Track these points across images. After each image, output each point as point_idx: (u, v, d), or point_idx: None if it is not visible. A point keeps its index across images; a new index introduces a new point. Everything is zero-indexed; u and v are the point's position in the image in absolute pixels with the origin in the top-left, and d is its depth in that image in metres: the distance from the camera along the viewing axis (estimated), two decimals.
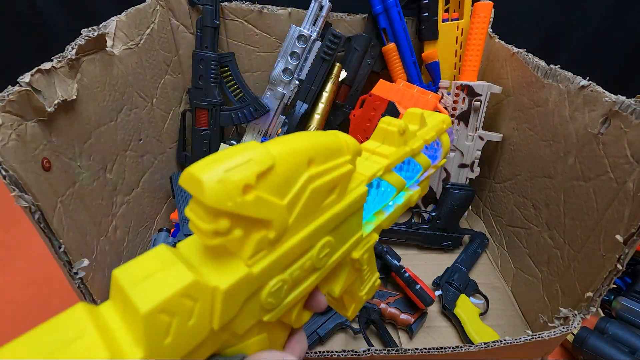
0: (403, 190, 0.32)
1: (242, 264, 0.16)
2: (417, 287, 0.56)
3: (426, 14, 0.71)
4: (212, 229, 0.15)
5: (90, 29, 0.47)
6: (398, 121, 0.29)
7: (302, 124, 0.75)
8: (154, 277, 0.14)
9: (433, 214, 0.70)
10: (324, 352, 0.42)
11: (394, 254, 0.61)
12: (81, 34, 0.46)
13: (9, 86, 0.35)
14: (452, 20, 0.72)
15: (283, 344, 0.23)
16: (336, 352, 0.42)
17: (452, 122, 0.70)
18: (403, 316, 0.56)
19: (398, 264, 0.59)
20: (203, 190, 0.14)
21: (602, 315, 0.55)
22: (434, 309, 0.60)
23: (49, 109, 0.37)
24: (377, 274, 0.33)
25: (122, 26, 0.55)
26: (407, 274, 0.57)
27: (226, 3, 0.71)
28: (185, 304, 0.14)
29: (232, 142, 0.78)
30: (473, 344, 0.41)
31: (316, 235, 0.20)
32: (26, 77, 0.35)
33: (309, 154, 0.18)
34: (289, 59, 0.72)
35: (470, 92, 0.67)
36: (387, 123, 0.29)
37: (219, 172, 0.14)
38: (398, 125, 0.28)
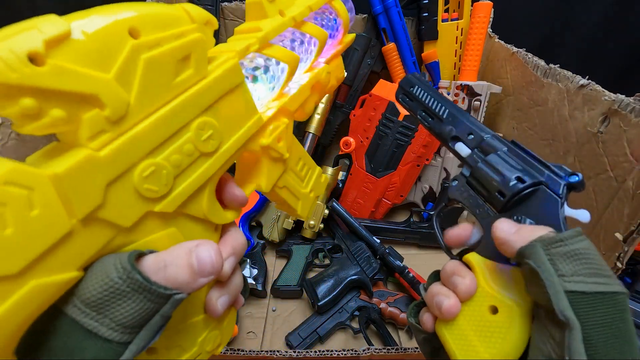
0: (309, 72, 0.30)
1: (83, 149, 0.16)
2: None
3: (426, 14, 0.71)
4: (15, 112, 0.14)
5: None
6: None
7: (302, 124, 0.75)
8: None
9: (432, 212, 0.70)
10: (323, 351, 0.42)
11: (397, 254, 0.61)
12: None
13: None
14: (452, 20, 0.72)
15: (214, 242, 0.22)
16: (336, 351, 0.42)
17: None
18: (403, 316, 0.56)
19: (401, 265, 0.59)
20: None
21: None
22: None
23: None
24: (319, 169, 0.32)
25: None
26: (411, 275, 0.57)
27: (226, 3, 0.71)
28: (12, 192, 0.13)
29: None
30: None
31: (180, 115, 0.19)
32: None
33: (127, 23, 0.16)
34: None
35: (470, 92, 0.67)
36: None
37: None
38: None
